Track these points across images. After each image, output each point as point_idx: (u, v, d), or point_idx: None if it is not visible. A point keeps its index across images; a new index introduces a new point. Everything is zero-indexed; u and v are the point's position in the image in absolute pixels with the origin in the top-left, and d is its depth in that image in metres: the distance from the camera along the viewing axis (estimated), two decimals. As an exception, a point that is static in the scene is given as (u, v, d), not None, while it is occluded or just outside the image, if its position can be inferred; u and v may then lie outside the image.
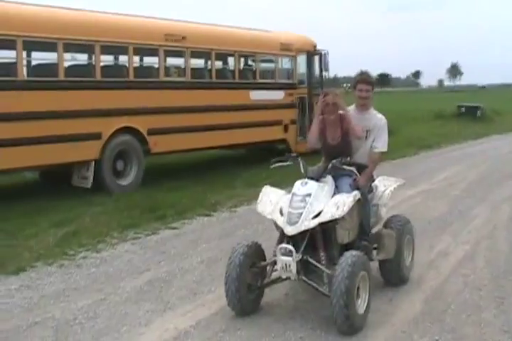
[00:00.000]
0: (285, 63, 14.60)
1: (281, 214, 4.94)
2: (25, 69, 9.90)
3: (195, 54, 12.24)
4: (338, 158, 5.28)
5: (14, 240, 7.65)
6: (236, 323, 4.92)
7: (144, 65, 12.11)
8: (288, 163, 5.42)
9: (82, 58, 11.01)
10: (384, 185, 5.96)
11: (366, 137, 5.70)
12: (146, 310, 5.26)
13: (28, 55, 10.23)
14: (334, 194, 5.14)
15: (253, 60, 13.77)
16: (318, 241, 4.89)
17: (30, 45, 9.63)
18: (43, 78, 9.74)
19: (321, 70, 14.98)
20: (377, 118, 5.78)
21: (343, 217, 4.92)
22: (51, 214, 8.92)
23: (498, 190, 11.38)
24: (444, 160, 16.16)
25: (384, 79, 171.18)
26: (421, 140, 20.34)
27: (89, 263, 6.84)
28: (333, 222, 4.89)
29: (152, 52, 11.30)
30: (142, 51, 11.41)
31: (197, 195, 10.39)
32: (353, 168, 5.36)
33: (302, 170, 5.27)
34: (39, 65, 10.39)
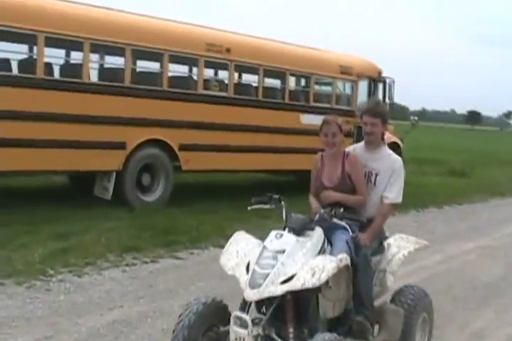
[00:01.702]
0: (344, 88, 13.55)
1: (248, 270, 3.85)
2: (55, 68, 9.38)
3: (241, 68, 11.38)
4: (333, 206, 4.20)
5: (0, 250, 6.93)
6: None
7: (182, 74, 11.27)
8: (268, 206, 4.34)
9: (112, 61, 10.29)
10: (398, 245, 4.78)
11: (375, 183, 4.60)
12: (86, 363, 4.30)
13: (52, 54, 9.60)
14: (324, 252, 4.04)
15: (307, 81, 12.71)
16: (287, 313, 3.75)
17: (54, 43, 9.00)
18: (69, 79, 9.08)
19: (384, 99, 13.79)
20: (391, 161, 4.63)
21: (327, 285, 3.82)
22: (58, 223, 8.25)
23: None
24: (516, 212, 14.28)
25: (473, 116, 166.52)
26: (496, 185, 18.44)
27: (63, 288, 6.04)
28: (313, 290, 3.75)
29: (191, 61, 10.55)
30: (179, 59, 10.60)
31: (222, 221, 9.38)
32: (344, 223, 4.22)
33: (283, 217, 4.18)
34: (66, 66, 9.73)
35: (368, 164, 4.60)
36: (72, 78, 9.07)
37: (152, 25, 10.00)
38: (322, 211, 4.16)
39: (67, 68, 9.50)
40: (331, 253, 4.11)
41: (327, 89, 13.44)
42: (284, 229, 4.08)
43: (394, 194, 4.54)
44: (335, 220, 4.17)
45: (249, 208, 4.43)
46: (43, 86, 8.70)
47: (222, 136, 10.66)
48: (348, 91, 13.43)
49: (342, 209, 4.19)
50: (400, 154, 14.40)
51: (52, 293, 5.82)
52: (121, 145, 9.47)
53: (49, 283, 6.09)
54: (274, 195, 4.37)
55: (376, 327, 4.42)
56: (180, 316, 3.84)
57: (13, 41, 9.23)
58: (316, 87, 13.12)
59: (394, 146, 14.40)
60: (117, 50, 9.53)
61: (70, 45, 9.26)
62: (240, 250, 4.13)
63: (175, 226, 8.67)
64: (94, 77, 9.56)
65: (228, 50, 10.72)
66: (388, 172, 4.57)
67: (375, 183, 4.59)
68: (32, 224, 8.05)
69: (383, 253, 4.65)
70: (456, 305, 6.20)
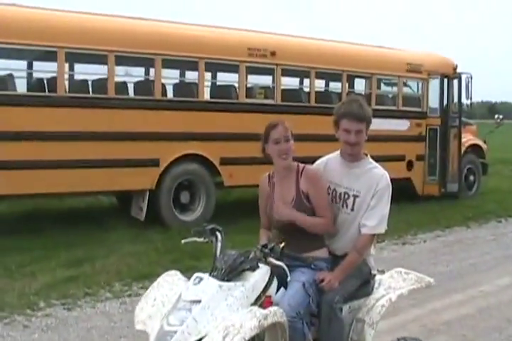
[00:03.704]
0: (413, 87, 12.33)
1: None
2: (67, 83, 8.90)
3: (288, 72, 10.47)
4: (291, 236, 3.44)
5: (5, 278, 6.57)
6: None
7: (221, 83, 10.55)
8: (201, 239, 3.51)
9: (138, 73, 9.77)
10: (389, 286, 3.77)
11: (352, 207, 3.61)
12: None
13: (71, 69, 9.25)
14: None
15: (368, 82, 11.57)
16: None
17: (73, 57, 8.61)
18: (93, 95, 8.68)
19: (460, 97, 12.37)
20: (373, 178, 3.61)
21: None
22: (80, 248, 7.82)
23: None
24: None
25: None
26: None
27: (44, 324, 5.50)
28: None
29: (231, 68, 9.75)
30: (218, 67, 9.93)
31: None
32: (282, 264, 3.27)
33: (215, 254, 3.35)
34: (84, 81, 9.28)
35: (343, 182, 3.65)
36: (96, 94, 8.64)
37: (184, 33, 9.37)
38: (257, 247, 3.30)
39: (94, 83, 9.08)
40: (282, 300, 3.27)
41: (392, 89, 12.25)
42: (211, 270, 3.25)
43: (374, 221, 3.54)
44: (272, 260, 3.27)
45: (182, 242, 3.66)
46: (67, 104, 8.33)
47: (268, 147, 9.82)
48: (417, 90, 12.21)
49: (281, 246, 3.33)
50: (483, 157, 13.14)
51: (28, 331, 5.30)
52: (153, 162, 8.89)
53: (31, 319, 5.57)
54: (210, 225, 3.55)
55: None
56: None
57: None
58: (379, 87, 11.96)
59: (476, 149, 13.00)
60: (146, 61, 9.01)
61: (93, 58, 8.81)
62: (159, 297, 3.37)
63: (203, 249, 7.94)
64: (121, 91, 9.02)
65: (273, 54, 9.89)
66: (370, 193, 3.57)
67: (352, 208, 3.61)
68: (52, 249, 7.70)
69: (369, 295, 3.68)
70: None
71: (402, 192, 10.33)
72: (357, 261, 3.57)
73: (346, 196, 3.63)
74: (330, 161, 3.81)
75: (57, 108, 8.23)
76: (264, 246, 3.29)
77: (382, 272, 4.07)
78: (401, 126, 11.66)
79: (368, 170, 3.67)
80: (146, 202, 8.91)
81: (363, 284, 3.66)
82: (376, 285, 3.78)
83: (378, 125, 10.77)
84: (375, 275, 3.79)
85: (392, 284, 3.82)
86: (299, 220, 3.48)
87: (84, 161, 8.34)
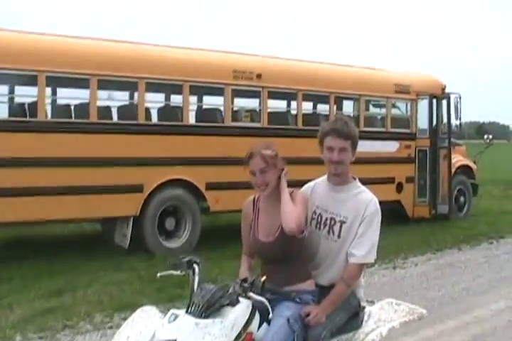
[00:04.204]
0: (401, 108, 12.24)
1: None
2: (49, 108, 8.71)
3: (275, 95, 10.35)
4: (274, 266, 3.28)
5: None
6: None
7: (207, 106, 10.38)
8: (178, 272, 3.31)
9: (122, 97, 9.61)
10: (379, 318, 3.57)
11: (339, 234, 3.42)
12: None
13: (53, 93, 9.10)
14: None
15: (356, 104, 11.47)
16: None
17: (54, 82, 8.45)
18: (65, 120, 8.49)
19: (449, 118, 12.27)
20: (361, 202, 3.44)
21: None
22: (62, 277, 7.61)
23: None
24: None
25: None
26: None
27: (14, 362, 5.20)
28: None
29: (217, 91, 9.61)
30: (203, 90, 9.81)
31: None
32: (263, 299, 3.09)
33: (192, 289, 3.16)
34: (65, 105, 9.12)
35: (329, 207, 3.47)
36: (78, 119, 8.48)
37: (168, 56, 9.22)
38: (237, 282, 3.11)
39: (76, 108, 8.91)
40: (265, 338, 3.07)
41: (380, 111, 12.15)
42: (188, 306, 3.06)
43: (363, 251, 3.36)
44: (252, 295, 3.08)
45: (158, 275, 3.46)
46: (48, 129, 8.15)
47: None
48: (406, 111, 12.13)
49: (262, 279, 3.13)
50: (473, 178, 13.03)
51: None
52: (137, 188, 8.67)
53: (3, 355, 5.33)
54: (187, 257, 3.35)
55: None
56: None
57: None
58: (367, 109, 11.84)
59: (466, 170, 12.89)
60: (128, 85, 8.84)
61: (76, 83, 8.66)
62: (133, 335, 3.17)
63: (188, 277, 7.70)
64: (101, 115, 8.81)
65: (259, 76, 9.77)
66: (357, 219, 3.40)
67: (339, 235, 3.43)
68: (32, 279, 7.47)
69: (358, 329, 3.49)
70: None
71: (392, 214, 10.19)
72: (345, 293, 3.38)
73: (332, 222, 3.46)
74: (317, 185, 3.65)
75: (38, 133, 8.03)
76: (244, 280, 3.10)
77: (372, 303, 3.88)
78: (390, 147, 11.55)
79: (355, 194, 3.50)
80: (130, 228, 8.69)
81: (352, 317, 3.47)
82: (365, 317, 3.59)
83: (367, 147, 10.80)
84: (364, 307, 3.60)
85: (382, 316, 3.63)
86: (284, 194, 3.29)
87: (66, 188, 8.13)
